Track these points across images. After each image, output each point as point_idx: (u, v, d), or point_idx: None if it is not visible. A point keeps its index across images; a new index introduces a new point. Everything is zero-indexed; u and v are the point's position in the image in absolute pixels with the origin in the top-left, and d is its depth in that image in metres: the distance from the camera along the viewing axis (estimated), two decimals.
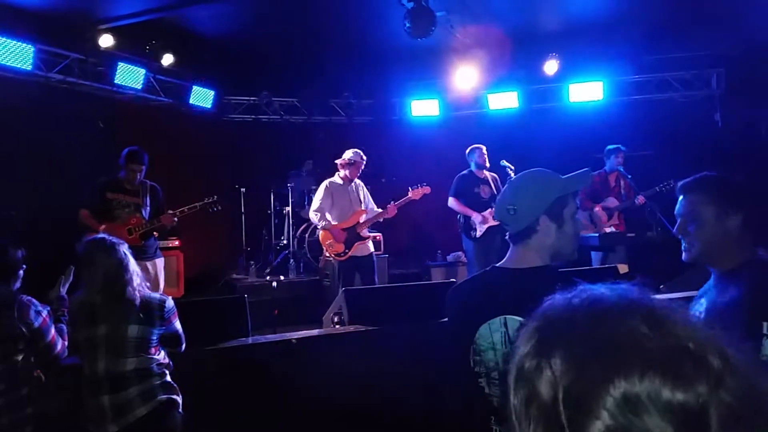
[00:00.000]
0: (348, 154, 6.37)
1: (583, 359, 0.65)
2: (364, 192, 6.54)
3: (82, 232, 5.17)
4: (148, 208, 5.42)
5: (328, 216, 6.29)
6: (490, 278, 1.94)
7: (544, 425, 0.66)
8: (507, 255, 1.94)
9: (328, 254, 6.40)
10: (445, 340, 2.02)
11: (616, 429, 0.61)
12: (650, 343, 0.64)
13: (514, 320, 1.80)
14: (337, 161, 6.44)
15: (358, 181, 6.49)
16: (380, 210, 6.40)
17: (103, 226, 5.05)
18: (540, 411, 0.66)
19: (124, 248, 3.11)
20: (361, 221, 6.28)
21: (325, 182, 6.44)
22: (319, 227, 6.40)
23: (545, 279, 1.86)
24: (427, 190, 6.39)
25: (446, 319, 2.08)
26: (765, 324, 1.79)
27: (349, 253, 6.22)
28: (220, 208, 5.70)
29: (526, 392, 0.68)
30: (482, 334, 1.83)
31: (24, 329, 2.92)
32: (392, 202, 6.30)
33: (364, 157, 6.40)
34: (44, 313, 3.05)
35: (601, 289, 0.73)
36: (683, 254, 2.09)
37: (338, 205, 6.34)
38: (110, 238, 3.12)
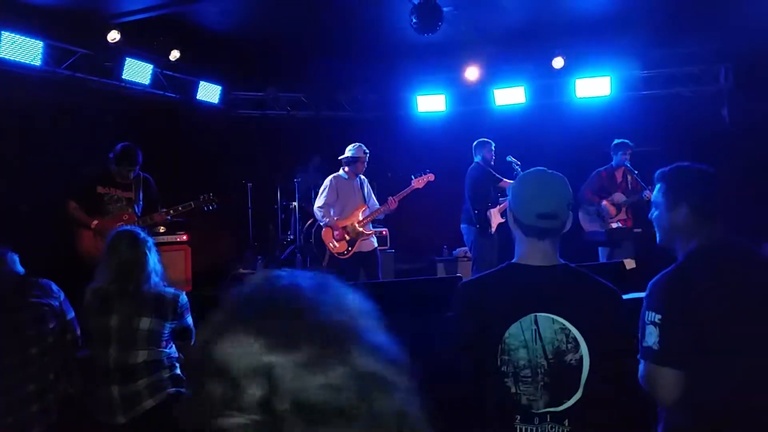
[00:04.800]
0: (349, 151, 6.27)
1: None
2: (367, 188, 6.47)
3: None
4: (141, 202, 5.34)
5: (331, 212, 6.22)
6: (515, 276, 1.91)
7: None
8: (527, 251, 1.90)
9: (331, 251, 6.32)
10: (456, 340, 1.93)
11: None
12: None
13: (546, 318, 1.79)
14: (340, 158, 6.36)
15: (363, 176, 6.43)
16: (380, 206, 6.33)
17: (95, 222, 5.00)
18: None
19: (150, 244, 3.13)
20: (360, 218, 6.21)
21: (330, 177, 6.36)
22: (321, 224, 6.34)
23: (574, 276, 1.91)
24: (431, 177, 6.33)
25: (452, 315, 2.00)
26: (651, 313, 1.91)
27: (353, 251, 6.16)
28: (216, 206, 5.57)
29: None
30: (513, 333, 1.80)
31: (53, 303, 2.96)
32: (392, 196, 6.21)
33: (367, 151, 6.29)
34: (61, 292, 3.10)
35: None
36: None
37: (343, 200, 6.27)
38: (140, 231, 3.14)
